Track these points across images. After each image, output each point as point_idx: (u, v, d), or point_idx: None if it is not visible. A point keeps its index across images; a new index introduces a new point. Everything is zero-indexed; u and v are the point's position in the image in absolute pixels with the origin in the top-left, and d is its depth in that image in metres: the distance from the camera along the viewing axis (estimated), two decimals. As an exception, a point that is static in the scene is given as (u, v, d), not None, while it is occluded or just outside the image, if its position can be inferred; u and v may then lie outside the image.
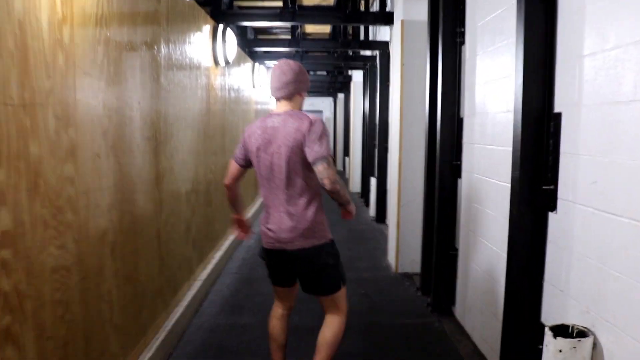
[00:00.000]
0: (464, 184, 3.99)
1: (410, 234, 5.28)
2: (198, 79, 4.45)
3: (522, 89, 2.49)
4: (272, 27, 10.00)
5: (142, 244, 3.05)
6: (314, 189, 2.57)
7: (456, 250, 4.13)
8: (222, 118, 5.60)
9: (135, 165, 2.92)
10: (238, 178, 2.79)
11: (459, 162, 4.06)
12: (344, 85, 14.92)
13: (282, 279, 2.74)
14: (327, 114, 22.23)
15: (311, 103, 22.13)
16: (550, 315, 2.53)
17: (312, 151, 2.43)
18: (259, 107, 9.22)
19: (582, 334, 2.11)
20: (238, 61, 6.68)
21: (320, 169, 2.41)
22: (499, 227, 3.16)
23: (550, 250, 2.54)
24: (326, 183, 2.41)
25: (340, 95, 18.53)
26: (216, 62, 5.10)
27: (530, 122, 2.50)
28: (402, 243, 5.30)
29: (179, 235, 3.89)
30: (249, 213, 7.88)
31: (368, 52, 9.97)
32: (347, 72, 13.91)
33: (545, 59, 2.51)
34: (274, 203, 2.59)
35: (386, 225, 7.97)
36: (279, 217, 2.56)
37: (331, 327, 2.70)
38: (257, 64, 8.39)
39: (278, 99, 2.64)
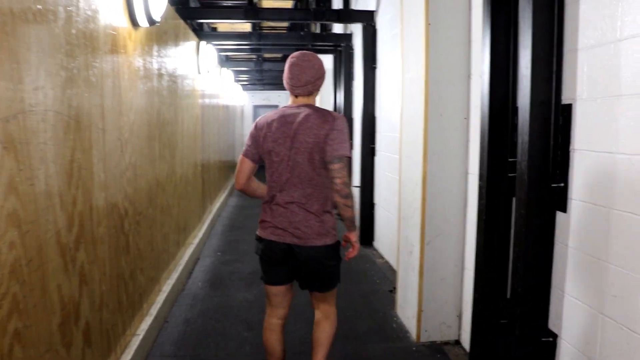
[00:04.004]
0: (575, 220, 2.22)
1: (440, 284, 3.48)
2: (93, 52, 2.50)
3: None
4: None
5: None
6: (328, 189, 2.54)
7: (554, 336, 2.36)
8: (148, 114, 3.64)
9: None
10: (251, 176, 2.65)
11: (562, 185, 2.28)
12: (305, 76, 13.02)
13: (282, 277, 2.68)
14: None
15: (265, 97, 20.19)
16: None
17: (332, 149, 2.43)
18: (206, 101, 7.21)
19: None
20: (175, 33, 4.71)
21: (335, 167, 2.42)
22: None
23: None
24: (338, 182, 2.42)
25: (299, 88, 16.63)
26: (133, 21, 3.13)
27: None
28: (428, 297, 3.49)
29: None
30: (197, 238, 5.91)
31: (340, 30, 8.14)
32: (310, 58, 12.05)
33: None
34: (286, 199, 2.54)
35: (374, 249, 6.19)
36: (293, 213, 2.53)
37: (331, 323, 2.76)
38: (203, 42, 6.42)
39: (295, 95, 2.59)
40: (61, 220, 2.13)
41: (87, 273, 2.44)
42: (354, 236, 2.65)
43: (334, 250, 2.60)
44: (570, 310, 2.24)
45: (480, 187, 2.80)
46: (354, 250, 2.64)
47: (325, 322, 2.75)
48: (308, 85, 2.55)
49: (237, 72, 12.44)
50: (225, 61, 10.14)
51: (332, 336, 2.78)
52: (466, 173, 3.36)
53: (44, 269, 1.98)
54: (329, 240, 2.56)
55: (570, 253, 2.24)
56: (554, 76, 2.30)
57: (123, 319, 3.07)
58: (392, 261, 5.37)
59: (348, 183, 2.43)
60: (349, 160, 2.47)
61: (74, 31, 2.21)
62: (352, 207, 2.48)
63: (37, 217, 1.91)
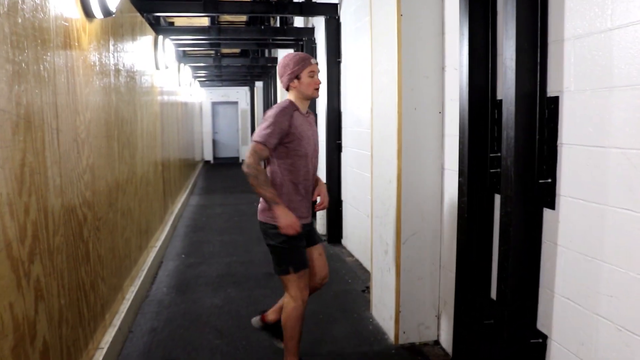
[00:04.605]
0: (564, 217, 2.14)
1: (417, 285, 3.38)
2: (44, 44, 2.28)
3: None
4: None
5: None
6: (274, 171, 2.79)
7: (544, 337, 2.29)
8: (106, 112, 3.40)
9: None
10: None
11: (550, 181, 2.20)
12: (265, 71, 12.80)
13: None
14: (243, 105, 19.95)
15: (224, 94, 19.84)
16: None
17: None
18: (165, 98, 6.93)
19: None
20: (132, 27, 4.45)
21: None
22: None
23: None
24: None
25: (259, 84, 16.38)
26: (87, 12, 2.89)
27: None
28: (405, 298, 3.39)
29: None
30: (159, 241, 5.66)
31: (301, 24, 7.97)
32: (271, 52, 11.84)
33: None
34: None
35: (343, 247, 6.08)
36: None
37: (284, 309, 2.85)
38: (161, 37, 6.15)
39: None
40: (12, 231, 1.91)
41: (44, 287, 2.23)
42: (275, 211, 2.67)
43: (273, 229, 2.72)
44: (562, 311, 2.16)
45: (461, 184, 2.71)
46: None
47: (284, 308, 2.89)
48: (281, 82, 2.86)
49: (195, 68, 12.13)
50: (183, 57, 9.84)
51: (286, 325, 2.84)
52: (442, 169, 3.26)
53: (-6, 287, 1.76)
54: (269, 219, 2.74)
55: (560, 251, 2.16)
56: (538, 68, 2.21)
57: (85, 333, 2.85)
58: (363, 259, 5.27)
59: (247, 163, 2.61)
60: (256, 143, 2.65)
61: (19, 20, 1.98)
62: (257, 186, 2.62)
63: (-16, 230, 1.69)
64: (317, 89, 2.80)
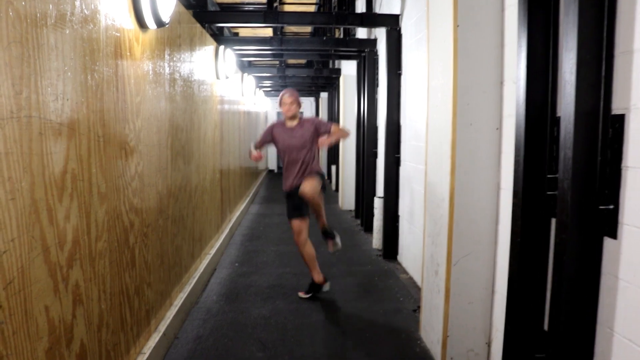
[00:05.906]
0: (628, 248, 1.94)
1: (467, 309, 3.20)
2: (92, 54, 2.34)
3: None
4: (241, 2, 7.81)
5: None
6: None
7: (601, 377, 2.08)
8: (159, 120, 3.46)
9: None
10: None
11: (612, 207, 2.00)
12: (329, 82, 12.81)
13: None
14: (308, 115, 20.06)
15: (290, 103, 19.97)
16: None
17: None
18: (226, 107, 7.04)
19: None
20: (190, 37, 4.54)
21: None
22: None
23: None
24: None
25: (324, 94, 16.45)
26: (141, 23, 2.95)
27: None
28: (454, 322, 3.22)
29: None
30: (214, 249, 5.72)
31: (364, 35, 7.91)
32: (334, 64, 11.85)
33: None
34: None
35: (398, 263, 5.91)
36: None
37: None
38: (222, 47, 6.25)
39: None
40: (50, 236, 1.94)
41: (83, 292, 2.25)
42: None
43: None
44: (622, 353, 1.96)
45: (515, 206, 2.54)
46: None
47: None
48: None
49: (260, 78, 12.31)
50: (248, 67, 10.00)
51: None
52: (498, 188, 3.09)
53: (28, 291, 1.78)
54: None
55: (622, 286, 1.96)
56: (602, 82, 2.03)
57: (127, 338, 2.88)
58: (417, 277, 5.09)
59: None
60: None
61: (67, 31, 2.02)
62: None
63: (19, 235, 1.72)
64: (285, 111, 4.56)
